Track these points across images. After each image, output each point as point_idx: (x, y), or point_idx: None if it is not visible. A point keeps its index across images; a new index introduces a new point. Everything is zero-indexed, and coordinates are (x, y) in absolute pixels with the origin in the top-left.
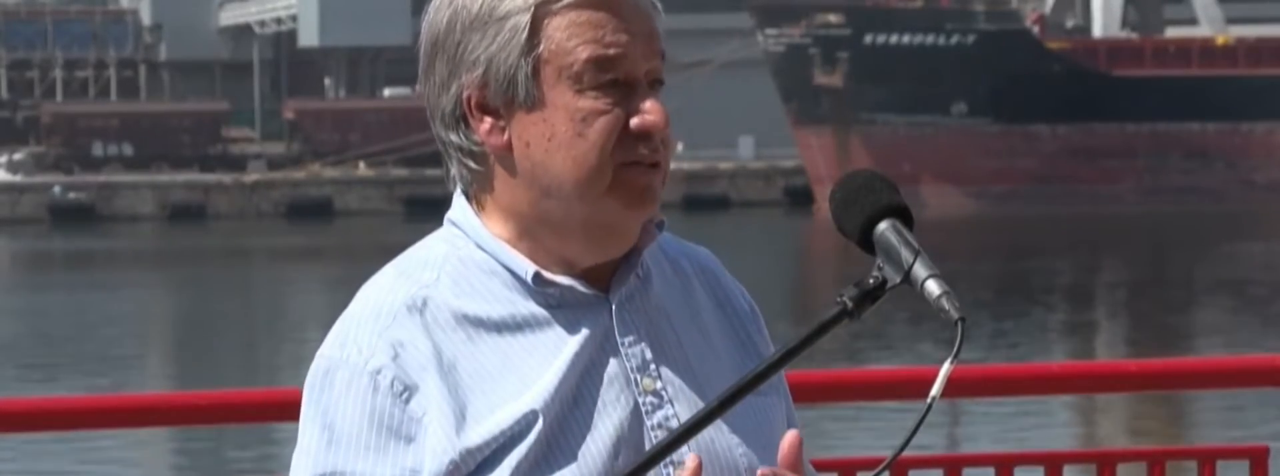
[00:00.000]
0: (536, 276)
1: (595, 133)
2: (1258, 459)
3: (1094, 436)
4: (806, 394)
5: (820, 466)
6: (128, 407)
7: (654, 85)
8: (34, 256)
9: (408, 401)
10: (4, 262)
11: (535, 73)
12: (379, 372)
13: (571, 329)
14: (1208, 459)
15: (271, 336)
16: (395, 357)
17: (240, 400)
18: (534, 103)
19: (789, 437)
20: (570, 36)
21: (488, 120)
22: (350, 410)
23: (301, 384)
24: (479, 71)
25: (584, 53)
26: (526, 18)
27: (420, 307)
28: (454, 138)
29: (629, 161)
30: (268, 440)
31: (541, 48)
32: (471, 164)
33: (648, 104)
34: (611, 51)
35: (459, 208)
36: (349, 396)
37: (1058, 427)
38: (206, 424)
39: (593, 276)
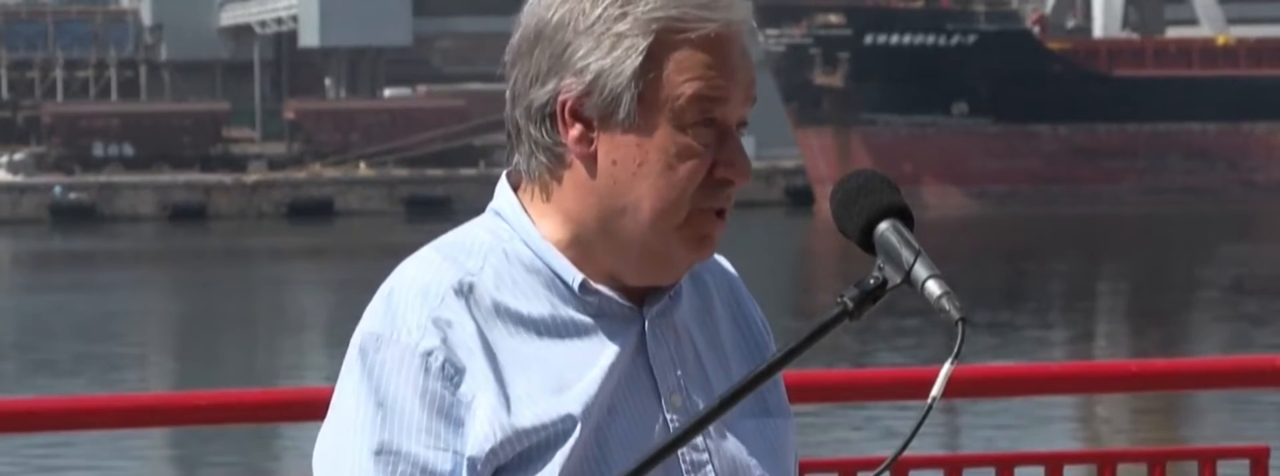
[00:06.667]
0: (583, 284)
1: (684, 172)
2: (1258, 459)
3: (1094, 436)
4: (806, 394)
5: (820, 466)
6: (128, 407)
7: (739, 128)
8: (34, 256)
9: (458, 385)
10: (4, 262)
11: (641, 97)
12: (430, 354)
13: (608, 339)
14: (1208, 459)
15: (272, 336)
16: (444, 339)
17: (240, 400)
18: (632, 125)
19: None
20: (681, 70)
21: (578, 127)
22: (403, 389)
23: (302, 384)
24: (586, 79)
25: (690, 89)
26: (646, 42)
27: (467, 292)
28: (535, 132)
29: (704, 207)
30: (268, 440)
31: (654, 74)
32: (546, 160)
33: (738, 158)
34: (716, 94)
35: (505, 198)
36: (401, 375)
37: (1058, 427)
38: (206, 424)
39: (629, 289)
